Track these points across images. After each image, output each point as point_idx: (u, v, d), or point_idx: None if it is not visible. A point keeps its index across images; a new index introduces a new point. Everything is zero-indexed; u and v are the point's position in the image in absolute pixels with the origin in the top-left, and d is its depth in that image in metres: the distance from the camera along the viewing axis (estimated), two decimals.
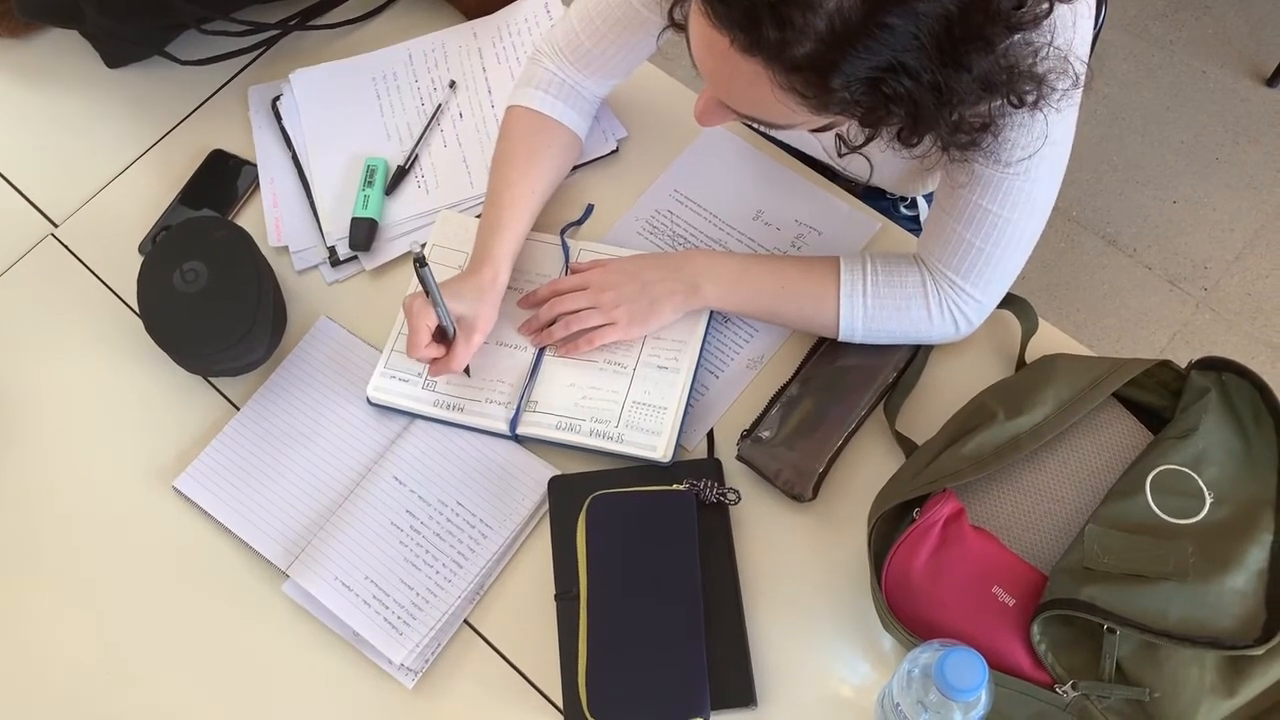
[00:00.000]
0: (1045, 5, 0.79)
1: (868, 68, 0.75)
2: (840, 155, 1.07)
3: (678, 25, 0.91)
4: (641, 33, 1.12)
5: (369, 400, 1.12)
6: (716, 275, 1.10)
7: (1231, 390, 0.99)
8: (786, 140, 1.27)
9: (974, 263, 1.03)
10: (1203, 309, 2.14)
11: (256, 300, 1.11)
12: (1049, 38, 0.82)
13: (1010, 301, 1.10)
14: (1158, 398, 1.03)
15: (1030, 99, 0.84)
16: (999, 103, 0.83)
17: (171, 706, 1.03)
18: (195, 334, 1.10)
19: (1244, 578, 0.88)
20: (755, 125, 0.98)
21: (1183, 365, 1.02)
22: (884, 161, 1.13)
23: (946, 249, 1.03)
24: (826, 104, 0.79)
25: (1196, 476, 0.94)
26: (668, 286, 1.10)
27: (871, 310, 1.07)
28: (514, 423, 1.09)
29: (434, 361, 1.09)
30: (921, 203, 1.36)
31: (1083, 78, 0.87)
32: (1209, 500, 0.93)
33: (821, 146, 1.18)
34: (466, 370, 1.12)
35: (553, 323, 1.12)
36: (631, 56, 1.16)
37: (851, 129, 1.03)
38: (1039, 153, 0.93)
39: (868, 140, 0.95)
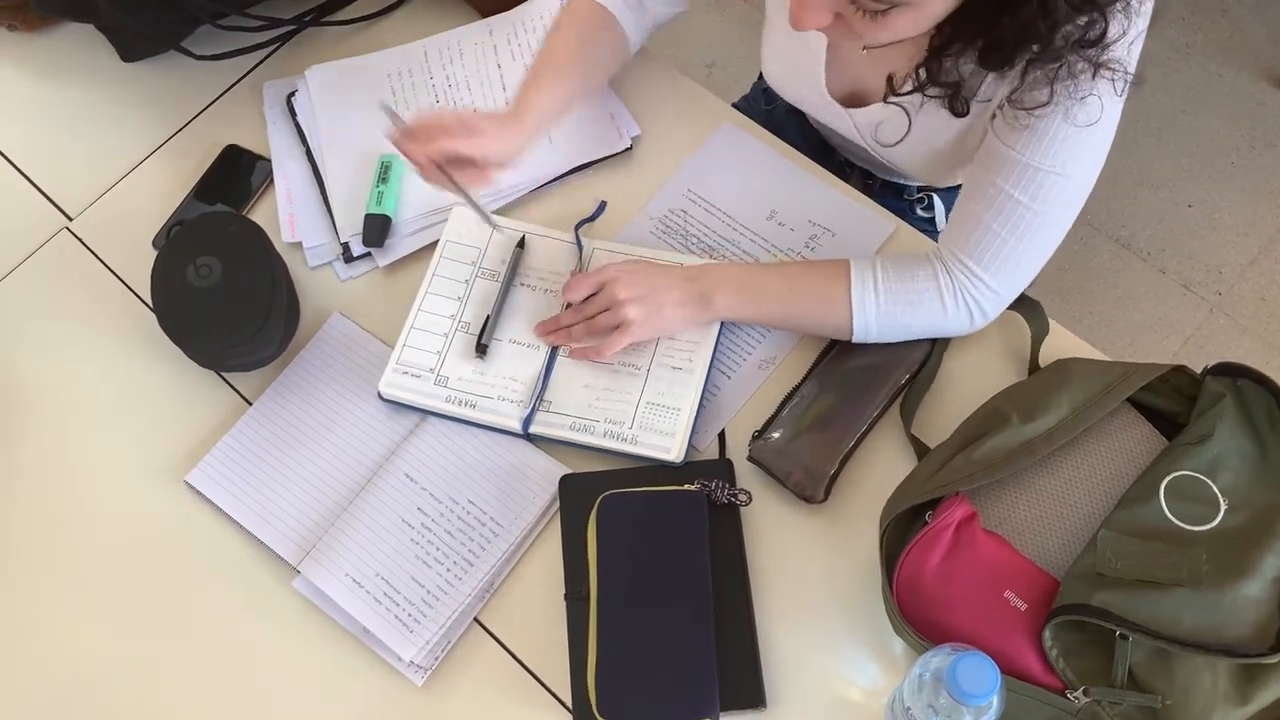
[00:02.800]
0: None
1: None
2: (886, 101, 1.06)
3: None
4: None
5: (381, 396, 1.12)
6: (726, 286, 1.09)
7: (1247, 396, 0.98)
8: (825, 108, 1.25)
9: (997, 253, 1.02)
10: (1217, 313, 2.13)
11: (269, 296, 1.11)
12: (1118, 32, 0.85)
13: (1021, 303, 1.10)
14: (1172, 403, 1.02)
15: (1104, 45, 0.85)
16: (1097, 18, 0.84)
17: (180, 701, 1.03)
18: (208, 329, 1.10)
19: (1258, 585, 0.88)
20: (844, 38, 0.95)
21: (1196, 370, 1.02)
22: (923, 128, 1.11)
23: (971, 237, 1.03)
24: None
25: (1211, 483, 0.94)
26: (679, 295, 1.09)
27: (884, 306, 1.06)
28: (527, 422, 1.09)
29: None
30: (938, 204, 1.35)
31: (1125, 83, 0.90)
32: (1223, 507, 0.93)
33: (854, 125, 1.17)
34: (482, 352, 1.12)
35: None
36: None
37: (906, 81, 1.02)
38: (1079, 148, 0.93)
39: (917, 88, 0.94)
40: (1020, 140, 0.96)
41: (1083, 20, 0.85)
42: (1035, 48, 0.86)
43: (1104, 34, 0.86)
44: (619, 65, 1.22)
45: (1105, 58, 0.88)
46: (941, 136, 1.11)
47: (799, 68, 1.19)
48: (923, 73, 0.94)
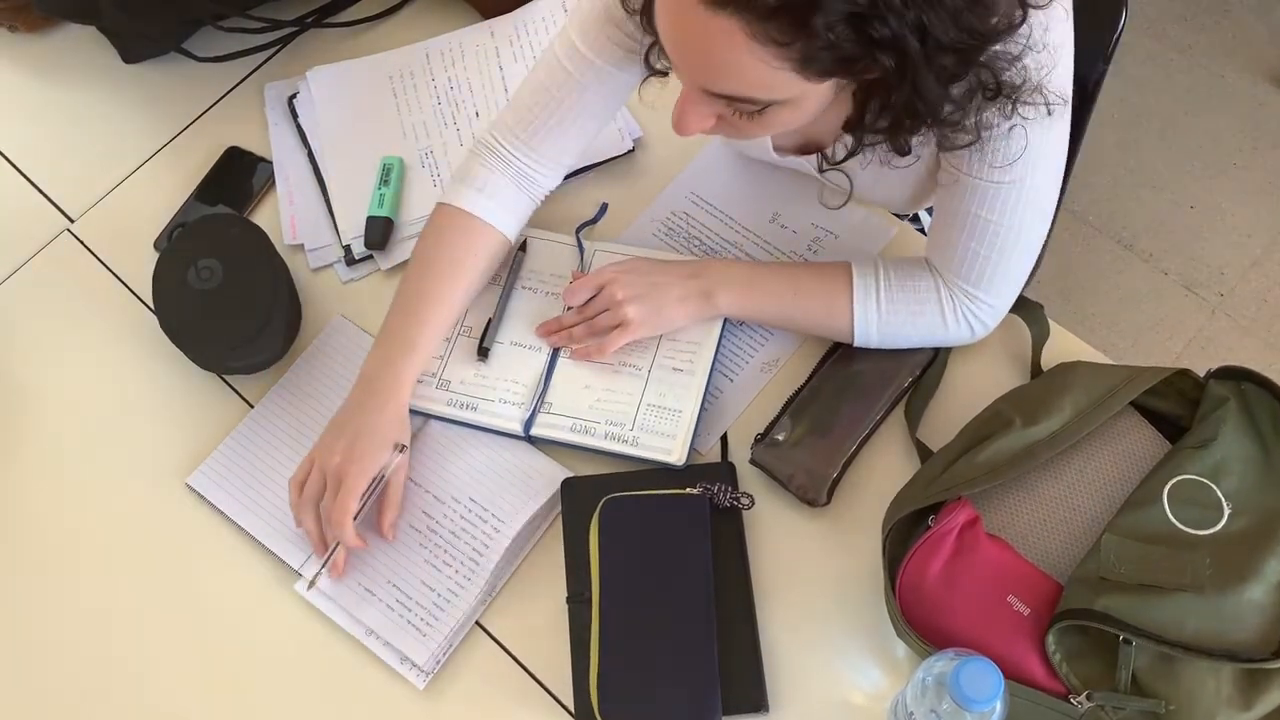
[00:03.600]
0: (1019, 13, 0.80)
1: (848, 4, 0.72)
2: (821, 171, 1.06)
3: (644, 24, 0.89)
4: (596, 88, 1.05)
5: None
6: (730, 283, 1.09)
7: (1251, 400, 0.98)
8: (781, 163, 1.20)
9: (982, 270, 1.02)
10: (1219, 315, 2.13)
11: (271, 298, 1.11)
12: (1020, 50, 0.83)
13: (1022, 306, 1.09)
14: (1176, 406, 1.02)
15: (1007, 92, 0.84)
16: (984, 74, 0.82)
17: (181, 704, 1.03)
18: (209, 331, 1.10)
19: (1262, 590, 0.88)
20: (734, 135, 0.94)
21: (1198, 371, 1.01)
22: (870, 180, 1.10)
23: (954, 259, 1.03)
24: (810, 55, 0.75)
25: (1215, 487, 0.94)
26: (679, 291, 1.09)
27: (886, 316, 1.06)
28: (529, 424, 1.09)
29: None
30: (924, 216, 1.35)
31: (1056, 109, 0.88)
32: (1227, 511, 0.92)
33: (812, 169, 1.15)
34: (484, 355, 1.12)
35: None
36: (586, 119, 1.08)
37: (836, 147, 1.02)
38: (1026, 161, 0.93)
39: (850, 154, 0.94)
40: (971, 165, 0.95)
41: (960, 89, 0.83)
42: (929, 120, 0.85)
43: (999, 86, 0.83)
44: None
45: (1020, 96, 0.85)
46: (890, 184, 1.10)
47: None
48: (849, 140, 0.93)
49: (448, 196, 1.11)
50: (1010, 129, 0.90)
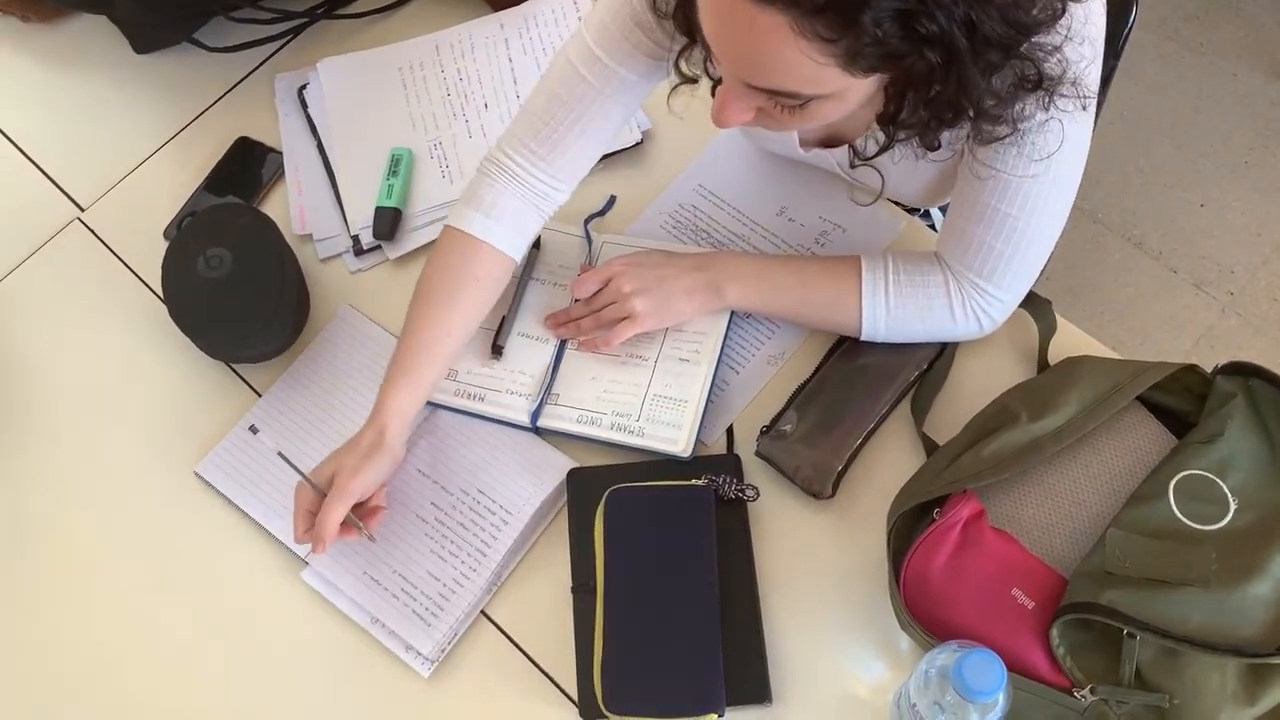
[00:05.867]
0: (1059, 4, 0.79)
1: (897, 0, 0.71)
2: (853, 167, 1.06)
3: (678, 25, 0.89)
4: (616, 96, 1.04)
5: None
6: (738, 276, 1.09)
7: (1258, 396, 0.98)
8: (806, 158, 1.20)
9: (995, 265, 1.02)
10: (1229, 313, 2.12)
11: (279, 288, 1.11)
12: (1060, 41, 0.82)
13: (1029, 301, 1.09)
14: (1183, 402, 1.02)
15: (1046, 84, 0.83)
16: (1027, 66, 0.81)
17: (186, 691, 1.04)
18: (218, 320, 1.10)
19: (1267, 585, 0.87)
20: (773, 127, 0.91)
21: (1208, 369, 1.01)
22: (900, 175, 1.10)
23: (967, 252, 1.02)
24: (857, 51, 0.75)
25: (1221, 482, 0.93)
26: (686, 284, 1.09)
27: (894, 310, 1.06)
28: (535, 415, 1.09)
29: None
30: (935, 212, 1.35)
31: (1089, 104, 0.88)
32: (1233, 506, 0.92)
33: (836, 163, 1.15)
34: (497, 354, 1.12)
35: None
36: (605, 127, 1.06)
37: (867, 142, 1.02)
38: (1055, 156, 0.93)
39: (883, 149, 0.93)
40: (997, 158, 0.95)
41: (1002, 81, 0.82)
42: (971, 113, 0.84)
43: (1040, 78, 0.83)
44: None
45: (1058, 89, 0.85)
46: (920, 178, 1.09)
47: None
48: (881, 135, 0.93)
49: (453, 219, 1.09)
50: (1045, 122, 0.90)
